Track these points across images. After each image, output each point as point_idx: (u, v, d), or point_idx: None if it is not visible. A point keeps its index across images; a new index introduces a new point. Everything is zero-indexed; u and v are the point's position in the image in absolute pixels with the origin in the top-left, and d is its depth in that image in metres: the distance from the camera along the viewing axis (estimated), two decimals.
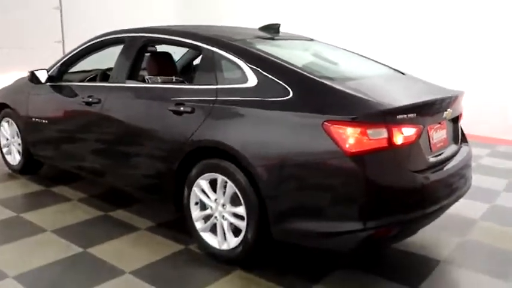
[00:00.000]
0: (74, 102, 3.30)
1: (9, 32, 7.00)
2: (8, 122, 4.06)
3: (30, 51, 7.10)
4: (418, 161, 2.21)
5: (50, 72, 3.57)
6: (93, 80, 3.83)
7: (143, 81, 3.82)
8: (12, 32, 7.02)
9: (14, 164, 4.09)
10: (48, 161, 3.76)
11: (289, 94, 2.22)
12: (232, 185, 2.34)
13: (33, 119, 3.68)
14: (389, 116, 2.07)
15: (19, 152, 4.00)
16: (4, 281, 2.27)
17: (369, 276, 2.38)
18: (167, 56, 3.30)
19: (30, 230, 2.88)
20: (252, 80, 2.37)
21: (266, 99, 2.29)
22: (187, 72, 4.19)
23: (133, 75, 3.02)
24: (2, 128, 4.15)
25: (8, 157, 4.17)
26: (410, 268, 2.51)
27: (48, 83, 3.55)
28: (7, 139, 4.13)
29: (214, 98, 2.45)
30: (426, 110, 2.30)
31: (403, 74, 2.99)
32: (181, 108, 2.55)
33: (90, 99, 3.12)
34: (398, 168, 2.12)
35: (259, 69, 2.37)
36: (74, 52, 3.47)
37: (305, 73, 2.32)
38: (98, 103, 3.07)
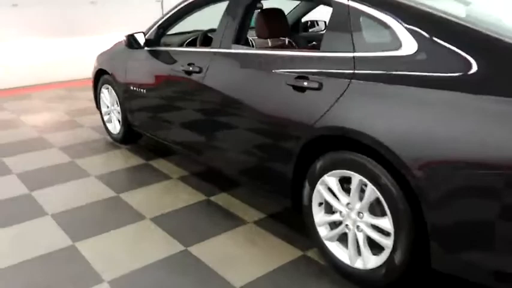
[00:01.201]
0: (172, 70, 2.89)
1: None
2: (107, 89, 3.84)
3: (128, 11, 6.95)
4: None
5: (147, 35, 3.19)
6: (193, 43, 3.39)
7: (247, 44, 3.34)
8: None
9: (115, 133, 3.91)
10: (146, 132, 3.48)
11: (471, 69, 1.52)
12: (374, 188, 1.75)
13: (131, 87, 3.38)
14: None
15: (119, 121, 3.79)
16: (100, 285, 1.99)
17: None
18: (279, 13, 2.70)
19: (128, 217, 2.60)
20: (409, 46, 1.68)
21: (432, 74, 1.60)
22: (294, 32, 3.57)
23: (240, 38, 2.48)
24: (102, 95, 3.96)
25: (109, 125, 4.01)
26: None
27: (145, 48, 3.18)
28: (107, 107, 3.94)
29: (352, 71, 1.82)
30: None
31: None
32: (305, 83, 1.97)
33: (190, 68, 2.67)
34: None
35: (420, 29, 1.67)
36: (172, 12, 3.02)
37: (500, 39, 1.56)
38: (199, 72, 2.61)
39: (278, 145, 2.16)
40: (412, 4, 1.76)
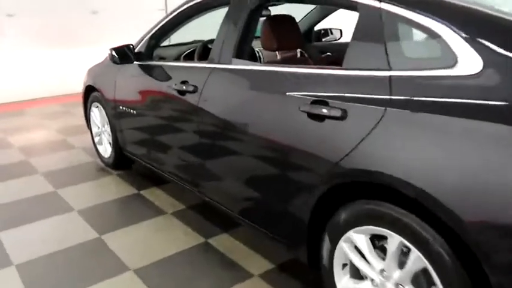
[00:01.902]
0: (165, 88, 2.46)
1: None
2: (97, 107, 3.43)
3: (131, 21, 6.59)
4: None
5: (138, 47, 2.78)
6: (191, 57, 2.96)
7: (253, 56, 2.89)
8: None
9: (106, 156, 3.50)
10: (137, 158, 3.05)
11: None
12: (421, 255, 1.28)
13: (120, 107, 2.97)
14: None
15: (110, 144, 3.37)
16: None
17: None
18: (290, 21, 2.27)
19: (108, 268, 2.16)
20: (470, 62, 1.22)
21: (504, 102, 1.14)
22: (306, 41, 3.12)
23: (242, 51, 2.04)
24: (92, 113, 3.56)
25: (99, 148, 3.59)
26: None
27: (135, 62, 2.77)
28: (98, 127, 3.53)
29: (388, 97, 1.36)
30: None
31: None
32: (324, 111, 1.52)
33: (184, 87, 2.23)
34: None
35: (486, 40, 1.22)
36: (165, 21, 2.60)
37: None
38: (194, 92, 2.17)
39: (289, 188, 1.70)
40: (471, 6, 1.31)
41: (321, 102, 1.54)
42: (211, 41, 2.83)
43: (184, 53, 2.98)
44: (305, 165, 1.61)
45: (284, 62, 2.54)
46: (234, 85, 2.02)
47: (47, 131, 4.64)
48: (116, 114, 3.07)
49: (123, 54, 2.66)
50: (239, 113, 1.94)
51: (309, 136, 1.58)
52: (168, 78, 2.45)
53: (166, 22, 2.58)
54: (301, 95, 1.63)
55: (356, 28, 1.53)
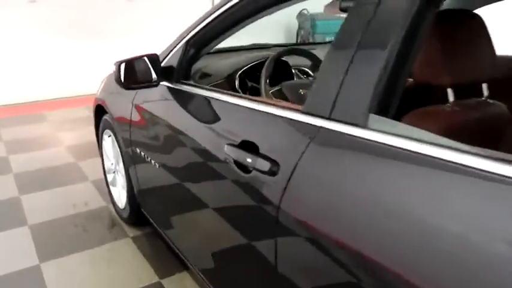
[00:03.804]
0: (209, 145, 1.31)
1: None
2: (110, 136, 2.38)
3: (171, 9, 5.55)
4: None
5: (166, 59, 1.66)
6: (251, 76, 1.83)
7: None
8: None
9: (119, 205, 2.44)
10: (157, 226, 1.96)
11: None
12: None
13: (137, 150, 1.88)
14: None
15: (125, 189, 2.31)
16: None
17: None
18: (477, 23, 1.07)
19: None
20: None
21: None
22: None
23: (389, 101, 0.87)
24: (104, 143, 2.51)
25: (113, 190, 2.55)
26: None
27: (162, 83, 1.65)
28: (112, 163, 2.48)
29: None
30: None
31: None
32: None
33: (248, 159, 1.08)
34: None
35: None
36: (212, 17, 1.45)
37: None
38: (270, 174, 1.01)
39: None
40: None
41: None
42: (292, 51, 1.71)
43: (242, 70, 1.83)
44: None
45: (464, 112, 1.17)
46: (377, 172, 0.85)
47: (57, 149, 3.67)
48: (132, 157, 1.99)
49: (137, 71, 1.52)
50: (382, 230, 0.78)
51: None
52: (216, 126, 1.31)
53: (215, 20, 1.43)
54: None
55: None
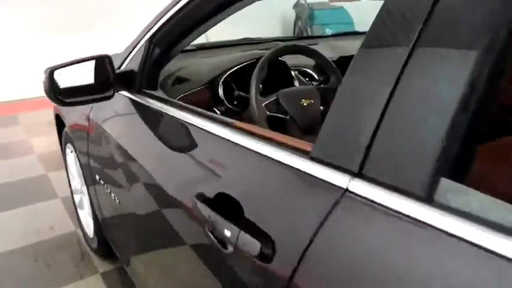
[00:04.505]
0: (180, 195, 0.91)
1: None
2: (72, 152, 1.98)
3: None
4: None
5: (126, 62, 1.26)
6: (239, 81, 1.44)
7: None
8: None
9: (88, 232, 2.06)
10: (118, 253, 1.58)
11: None
12: None
13: (97, 176, 1.49)
14: None
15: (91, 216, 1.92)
16: None
17: None
18: None
19: None
20: None
21: None
22: None
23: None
24: (68, 158, 2.12)
25: (80, 213, 2.17)
26: None
27: (120, 92, 1.25)
28: (78, 182, 2.09)
29: None
30: None
31: None
32: None
33: (228, 233, 0.68)
34: None
35: None
36: (181, 4, 1.04)
37: None
38: (267, 258, 0.61)
39: None
40: None
41: None
42: (291, 49, 1.33)
43: (227, 73, 1.42)
44: None
45: None
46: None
47: (28, 158, 3.27)
48: (93, 181, 1.59)
49: (80, 81, 1.11)
50: None
51: None
52: (185, 162, 0.92)
53: (184, 8, 1.02)
54: None
55: None
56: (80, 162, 1.76)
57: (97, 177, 1.47)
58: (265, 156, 0.68)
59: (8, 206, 2.52)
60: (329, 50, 1.84)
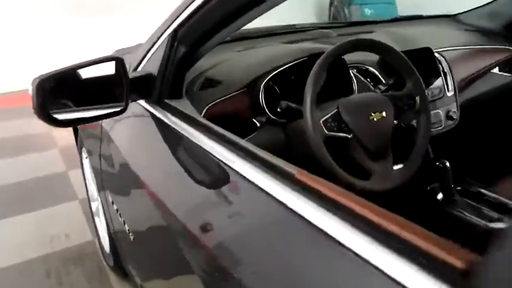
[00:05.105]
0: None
1: None
2: (87, 158, 1.75)
3: None
4: None
5: (141, 66, 0.98)
6: (293, 81, 1.13)
7: None
8: None
9: (105, 246, 1.84)
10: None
11: None
12: None
13: (108, 194, 1.24)
14: None
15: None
16: None
17: None
18: None
19: None
20: None
21: None
22: None
23: None
24: (84, 163, 1.89)
25: (97, 221, 1.95)
26: None
27: (136, 101, 0.98)
28: (94, 189, 1.86)
29: None
30: None
31: None
32: None
33: None
34: None
35: None
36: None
37: None
38: None
39: None
40: None
41: None
42: (359, 44, 1.03)
43: (271, 75, 1.11)
44: None
45: None
46: None
47: (48, 154, 3.09)
48: (106, 199, 1.35)
49: (84, 92, 0.84)
50: None
51: None
52: (210, 213, 0.65)
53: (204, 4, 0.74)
54: None
55: None
56: (93, 171, 1.52)
57: (109, 196, 1.22)
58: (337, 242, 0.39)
59: (22, 209, 2.33)
60: (389, 41, 1.50)
